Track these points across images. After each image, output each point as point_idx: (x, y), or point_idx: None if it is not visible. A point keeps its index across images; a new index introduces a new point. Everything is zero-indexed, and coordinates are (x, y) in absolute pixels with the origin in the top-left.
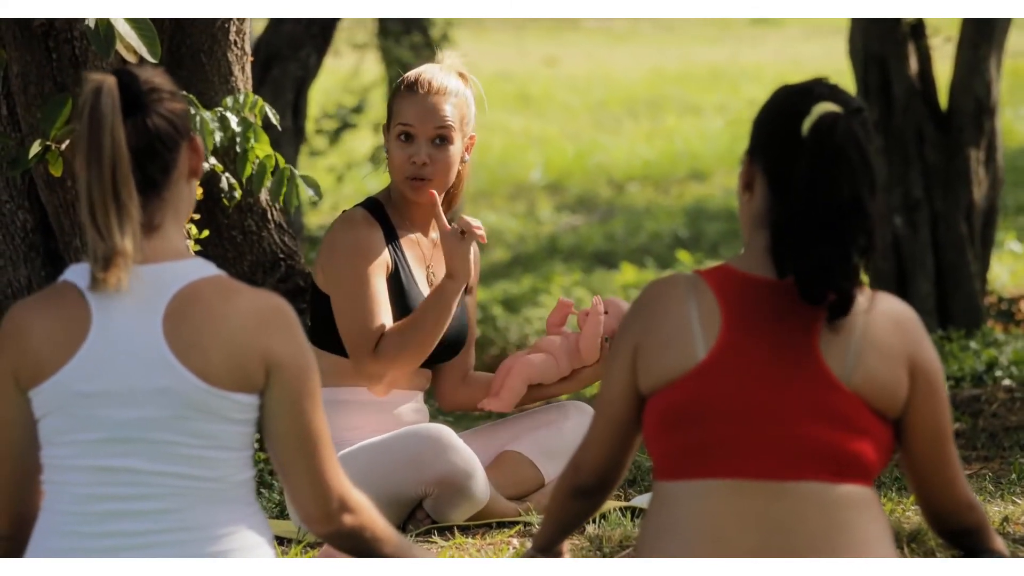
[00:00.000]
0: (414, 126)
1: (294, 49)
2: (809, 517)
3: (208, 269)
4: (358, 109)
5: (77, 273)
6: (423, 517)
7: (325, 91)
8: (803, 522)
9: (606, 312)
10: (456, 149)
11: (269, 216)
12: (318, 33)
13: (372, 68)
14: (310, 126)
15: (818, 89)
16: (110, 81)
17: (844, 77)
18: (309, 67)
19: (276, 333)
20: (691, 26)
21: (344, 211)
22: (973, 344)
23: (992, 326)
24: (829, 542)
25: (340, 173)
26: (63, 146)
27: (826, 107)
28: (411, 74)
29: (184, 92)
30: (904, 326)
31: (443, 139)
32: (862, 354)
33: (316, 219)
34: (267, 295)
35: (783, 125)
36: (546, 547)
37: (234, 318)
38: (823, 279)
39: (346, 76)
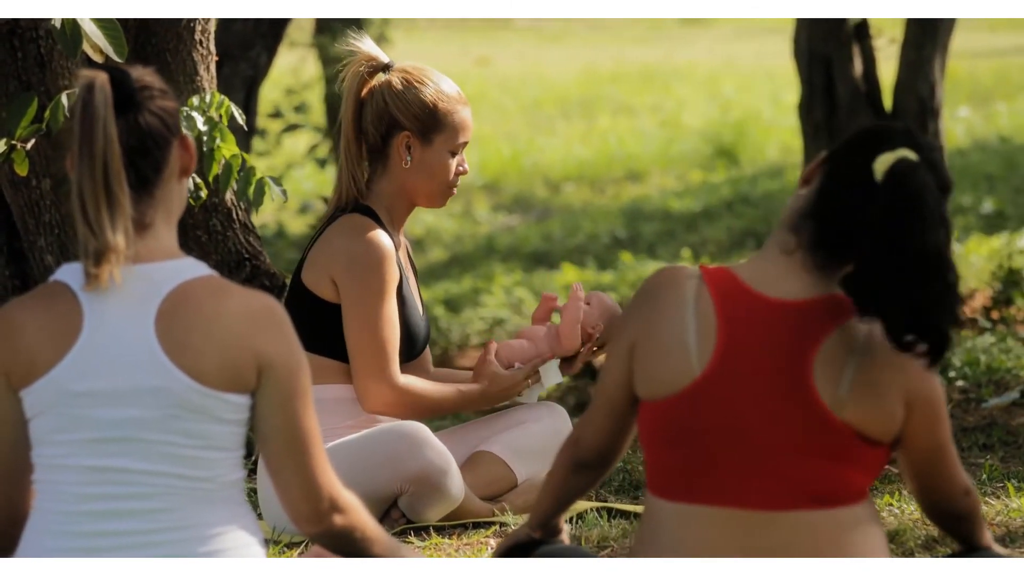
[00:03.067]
0: (468, 140)
1: (244, 48)
2: (802, 544)
3: (200, 269)
4: (300, 108)
5: (68, 273)
6: (398, 516)
7: (267, 89)
8: (796, 549)
9: (588, 303)
10: None
11: (234, 216)
12: (268, 32)
13: (309, 67)
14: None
15: (908, 136)
16: (102, 77)
17: (784, 76)
18: (259, 66)
19: (268, 333)
20: (622, 26)
21: (343, 217)
22: None
23: None
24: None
25: (281, 172)
26: (28, 145)
27: (904, 152)
28: (451, 86)
29: None
30: (902, 357)
31: None
32: (856, 387)
33: (256, 219)
34: (259, 295)
35: (862, 156)
36: (544, 522)
37: (226, 318)
38: (917, 326)
39: (283, 75)
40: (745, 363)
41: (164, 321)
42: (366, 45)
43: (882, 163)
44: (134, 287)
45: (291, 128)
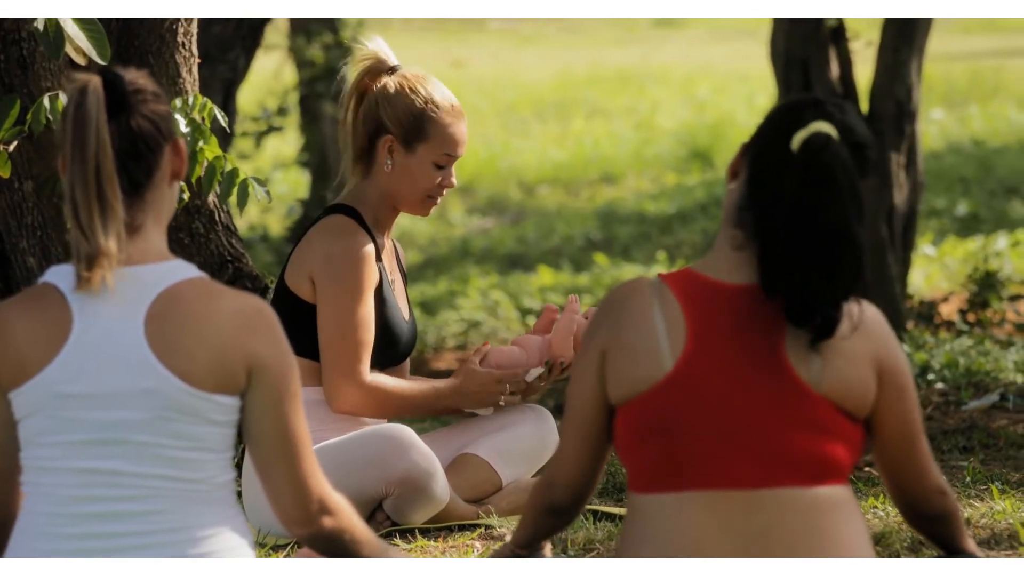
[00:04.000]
0: (456, 155)
1: (223, 51)
2: (787, 523)
3: (190, 271)
4: (282, 112)
5: (58, 274)
6: (383, 519)
7: (241, 92)
8: (781, 529)
9: (586, 317)
10: None
11: (217, 218)
12: (247, 34)
13: (286, 68)
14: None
15: (821, 107)
16: (96, 81)
17: (758, 79)
18: (238, 69)
19: (258, 335)
20: (596, 28)
21: (325, 218)
22: (905, 347)
23: (921, 330)
24: (808, 546)
25: (266, 175)
26: (11, 148)
27: (820, 126)
28: (444, 97)
29: None
30: (868, 327)
31: None
32: (829, 358)
33: (239, 221)
34: (249, 297)
35: (778, 132)
36: (526, 545)
37: (216, 320)
38: (811, 302)
39: (266, 78)
40: (718, 349)
41: (154, 323)
42: (376, 45)
43: (797, 140)
44: (124, 289)
45: (269, 131)
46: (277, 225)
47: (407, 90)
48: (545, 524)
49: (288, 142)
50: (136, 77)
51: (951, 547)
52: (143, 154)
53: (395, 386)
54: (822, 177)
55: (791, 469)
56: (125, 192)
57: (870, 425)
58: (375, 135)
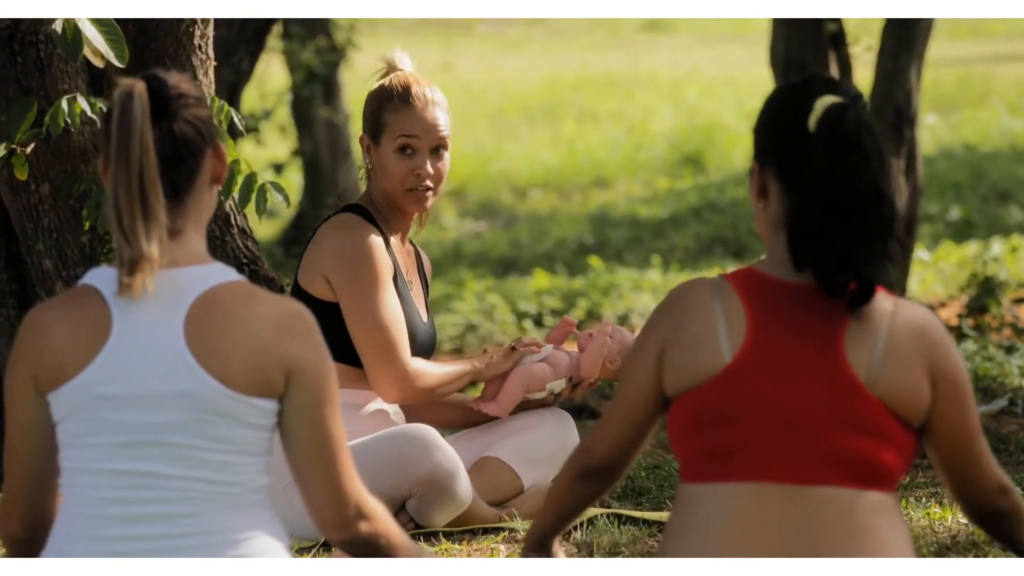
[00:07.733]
0: (418, 138)
1: (227, 54)
2: (831, 522)
3: (229, 274)
4: (267, 114)
5: (98, 276)
6: (406, 520)
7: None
8: (825, 527)
9: (611, 337)
10: (449, 156)
11: (232, 221)
12: (251, 37)
13: (277, 73)
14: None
15: (816, 84)
16: (140, 87)
17: (746, 83)
18: (242, 72)
19: (296, 339)
20: (583, 33)
21: (334, 216)
22: None
23: None
24: (850, 547)
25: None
26: (28, 150)
27: (829, 99)
28: (399, 86)
29: None
30: (926, 333)
31: (442, 148)
32: (886, 361)
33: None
34: (287, 301)
35: (788, 123)
36: (541, 540)
37: (254, 323)
38: (844, 267)
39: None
40: (778, 343)
41: (193, 325)
42: (397, 56)
43: (813, 120)
44: (163, 292)
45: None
46: (263, 228)
47: (376, 89)
48: (574, 493)
49: (271, 144)
50: (179, 81)
51: (1017, 546)
52: (185, 159)
53: (437, 368)
54: (848, 144)
55: (839, 468)
56: (167, 196)
57: (926, 433)
58: (361, 140)
